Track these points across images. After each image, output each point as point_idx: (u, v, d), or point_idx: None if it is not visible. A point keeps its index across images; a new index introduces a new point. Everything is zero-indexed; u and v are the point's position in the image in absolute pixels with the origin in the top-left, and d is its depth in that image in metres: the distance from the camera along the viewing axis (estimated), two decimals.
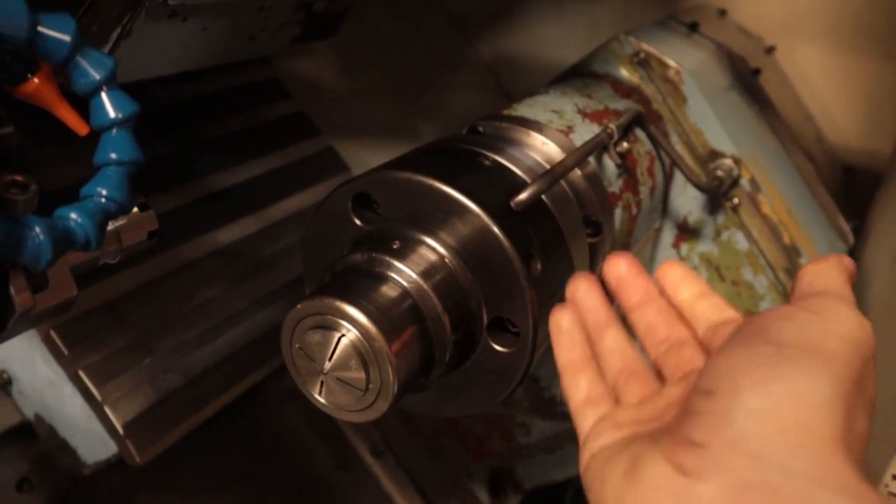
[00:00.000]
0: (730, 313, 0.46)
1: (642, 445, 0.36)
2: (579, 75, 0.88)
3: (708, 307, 0.46)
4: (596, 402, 0.44)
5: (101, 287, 0.73)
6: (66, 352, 0.69)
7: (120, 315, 0.74)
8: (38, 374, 0.74)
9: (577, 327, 0.47)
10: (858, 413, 0.34)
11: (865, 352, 0.36)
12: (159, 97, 0.87)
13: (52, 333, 0.69)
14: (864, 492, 0.30)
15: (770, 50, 1.42)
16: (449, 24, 1.47)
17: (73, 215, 0.34)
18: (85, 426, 0.74)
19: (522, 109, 0.71)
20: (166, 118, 0.87)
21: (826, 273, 0.41)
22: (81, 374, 0.69)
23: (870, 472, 0.70)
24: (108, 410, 0.69)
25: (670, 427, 0.36)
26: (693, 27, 1.11)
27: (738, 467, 0.31)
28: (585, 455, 0.40)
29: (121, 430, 0.69)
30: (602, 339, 0.46)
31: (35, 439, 0.77)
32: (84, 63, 0.36)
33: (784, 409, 0.32)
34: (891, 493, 0.66)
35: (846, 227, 1.15)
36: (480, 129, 0.67)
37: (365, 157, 1.06)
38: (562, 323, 0.47)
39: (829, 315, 0.36)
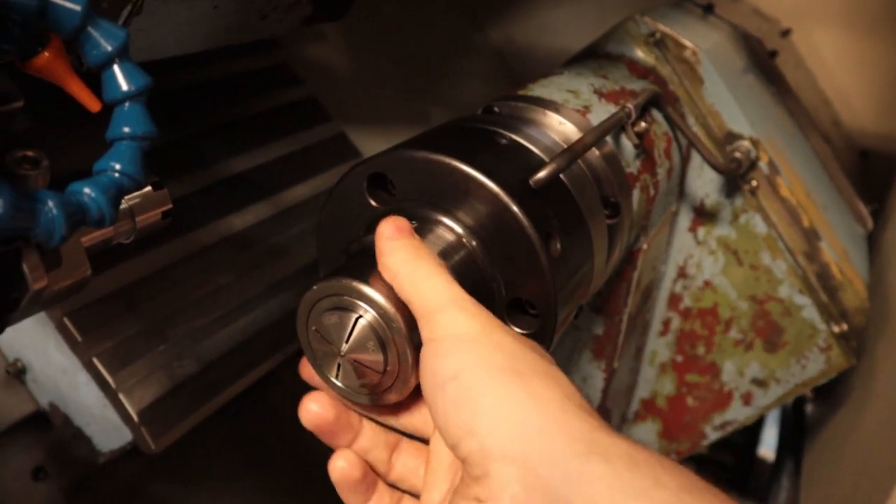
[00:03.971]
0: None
1: None
2: (594, 56, 0.87)
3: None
4: None
5: (114, 273, 0.72)
6: (79, 339, 0.68)
7: (133, 302, 0.73)
8: (52, 362, 0.74)
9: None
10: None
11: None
12: (172, 82, 0.86)
13: (66, 320, 0.68)
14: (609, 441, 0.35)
15: (786, 33, 1.40)
16: (460, 9, 1.46)
17: (87, 190, 0.33)
18: (100, 414, 0.73)
19: (538, 90, 0.70)
20: (179, 103, 0.86)
21: (404, 278, 0.44)
22: (95, 361, 0.69)
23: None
24: (122, 398, 0.69)
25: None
26: (708, 9, 1.09)
27: (512, 476, 0.35)
28: None
29: (135, 418, 0.69)
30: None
31: (50, 428, 0.77)
32: (96, 34, 0.35)
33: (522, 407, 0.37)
34: None
35: (864, 211, 1.13)
36: (496, 108, 0.66)
37: (375, 143, 1.05)
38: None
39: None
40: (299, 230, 0.89)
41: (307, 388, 0.48)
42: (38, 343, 0.73)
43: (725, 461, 1.27)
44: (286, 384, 0.90)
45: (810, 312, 0.89)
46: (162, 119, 0.87)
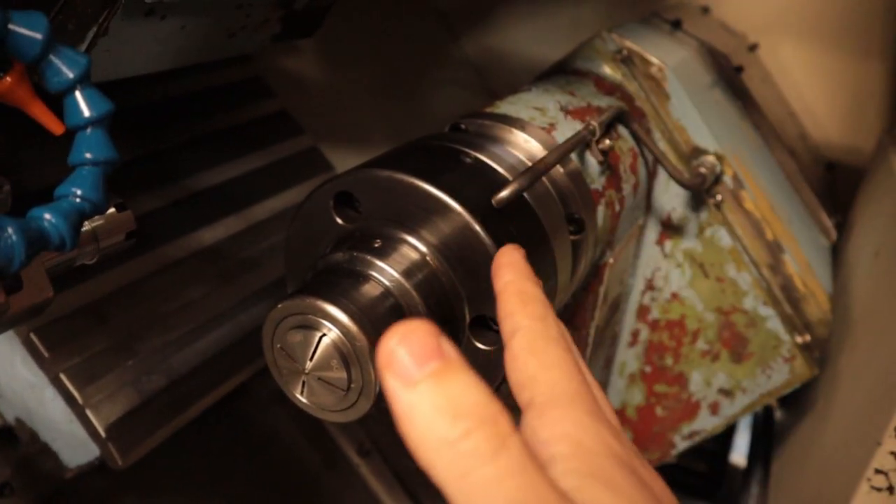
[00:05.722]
0: None
1: None
2: (562, 73, 0.88)
3: None
4: None
5: (82, 288, 0.72)
6: (46, 354, 0.68)
7: (102, 317, 0.73)
8: (18, 378, 0.73)
9: None
10: None
11: None
12: (142, 96, 0.86)
13: (33, 336, 0.68)
14: None
15: (753, 47, 1.42)
16: (434, 21, 1.47)
17: (47, 216, 0.34)
18: (67, 429, 0.73)
19: (505, 107, 0.71)
20: (150, 117, 0.86)
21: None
22: (62, 376, 0.68)
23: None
24: (89, 413, 0.68)
25: None
26: (676, 24, 1.11)
27: None
28: None
29: (103, 434, 0.69)
30: None
31: (16, 443, 0.76)
32: (57, 62, 0.35)
33: None
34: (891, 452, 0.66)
35: (829, 223, 1.16)
36: (463, 126, 0.66)
37: (349, 156, 1.05)
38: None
39: None
40: (270, 244, 0.89)
41: (278, 402, 0.48)
42: (4, 358, 0.72)
43: (699, 468, 1.29)
44: (256, 398, 0.90)
45: (774, 324, 0.91)
46: (132, 132, 0.87)
